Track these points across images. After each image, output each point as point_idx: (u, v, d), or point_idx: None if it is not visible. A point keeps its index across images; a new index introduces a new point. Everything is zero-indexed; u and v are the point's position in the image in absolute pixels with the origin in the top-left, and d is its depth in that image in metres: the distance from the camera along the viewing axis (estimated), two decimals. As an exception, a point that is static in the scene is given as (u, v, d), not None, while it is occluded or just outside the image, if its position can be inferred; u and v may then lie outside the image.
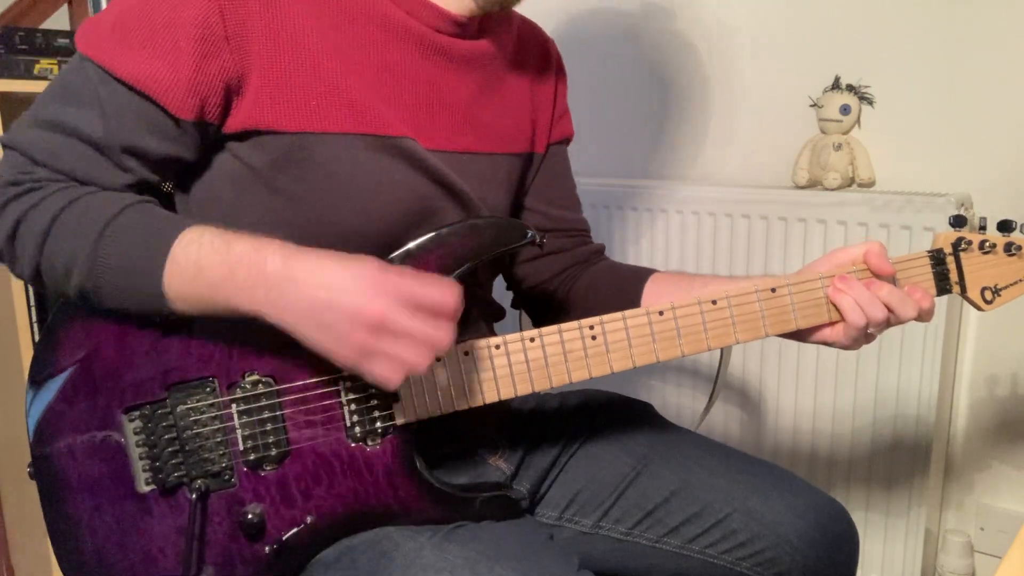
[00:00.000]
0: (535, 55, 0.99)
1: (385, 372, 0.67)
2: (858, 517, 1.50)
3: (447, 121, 0.84)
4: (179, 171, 0.80)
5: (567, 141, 1.06)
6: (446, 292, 0.68)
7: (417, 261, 0.77)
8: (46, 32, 1.49)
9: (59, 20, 2.04)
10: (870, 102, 1.50)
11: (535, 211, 1.01)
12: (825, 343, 0.85)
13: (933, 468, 1.46)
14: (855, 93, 1.50)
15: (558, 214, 1.03)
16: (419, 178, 0.81)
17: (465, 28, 0.85)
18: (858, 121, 1.52)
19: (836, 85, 1.51)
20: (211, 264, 0.68)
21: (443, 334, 0.67)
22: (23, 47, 1.47)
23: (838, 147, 1.49)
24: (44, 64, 1.49)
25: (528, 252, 1.02)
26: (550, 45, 1.03)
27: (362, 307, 0.65)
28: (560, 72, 1.03)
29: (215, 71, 0.72)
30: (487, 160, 0.90)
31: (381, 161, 0.78)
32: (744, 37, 1.65)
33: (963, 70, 1.43)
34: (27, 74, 1.48)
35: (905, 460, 1.46)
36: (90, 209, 0.71)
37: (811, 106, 1.55)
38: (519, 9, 0.91)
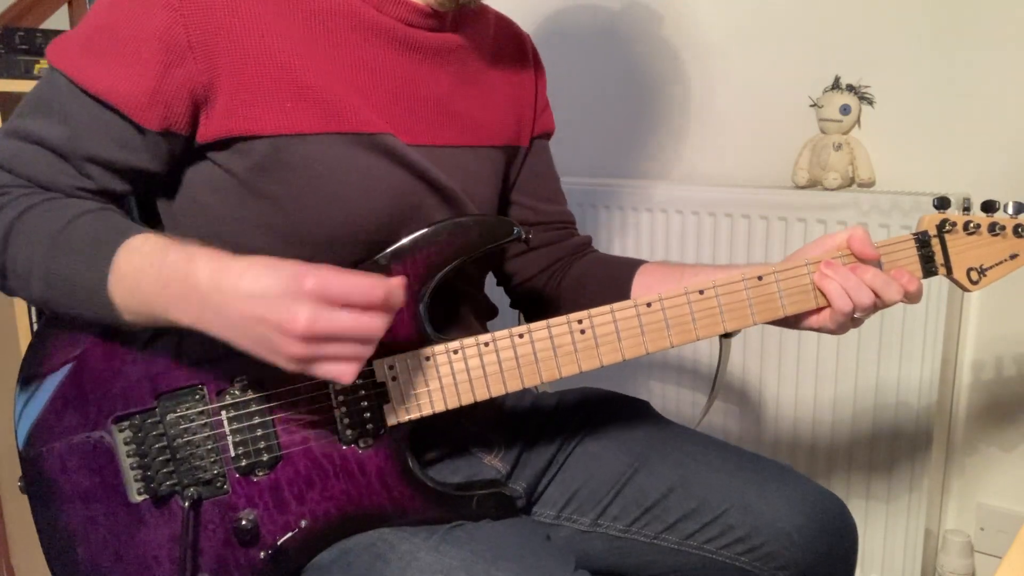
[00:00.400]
0: (512, 49, 0.99)
1: (332, 373, 0.65)
2: (858, 517, 1.50)
3: (426, 115, 0.84)
4: (152, 182, 0.79)
5: (549, 135, 1.06)
6: (370, 284, 0.65)
7: (404, 261, 0.77)
8: (46, 32, 1.50)
9: (59, 20, 2.05)
10: (870, 102, 1.50)
11: (521, 205, 1.01)
12: (813, 329, 0.85)
13: (933, 468, 1.45)
14: (855, 93, 1.49)
15: (544, 207, 1.03)
16: (401, 174, 0.81)
17: (437, 20, 0.85)
18: (858, 121, 1.51)
19: (836, 85, 1.51)
20: (148, 275, 0.68)
21: (375, 323, 0.65)
22: (23, 47, 1.47)
23: (838, 147, 1.48)
24: (44, 64, 1.50)
25: (517, 247, 1.02)
26: (525, 39, 1.03)
27: (286, 319, 0.62)
28: (538, 66, 1.04)
29: (179, 80, 0.72)
30: (470, 153, 0.89)
31: (360, 158, 0.78)
32: (744, 37, 1.64)
33: (963, 70, 1.42)
34: (27, 74, 1.48)
35: (905, 460, 1.46)
36: (45, 216, 0.72)
37: (811, 106, 1.55)
38: (502, 8, 0.91)
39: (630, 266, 0.97)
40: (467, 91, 0.89)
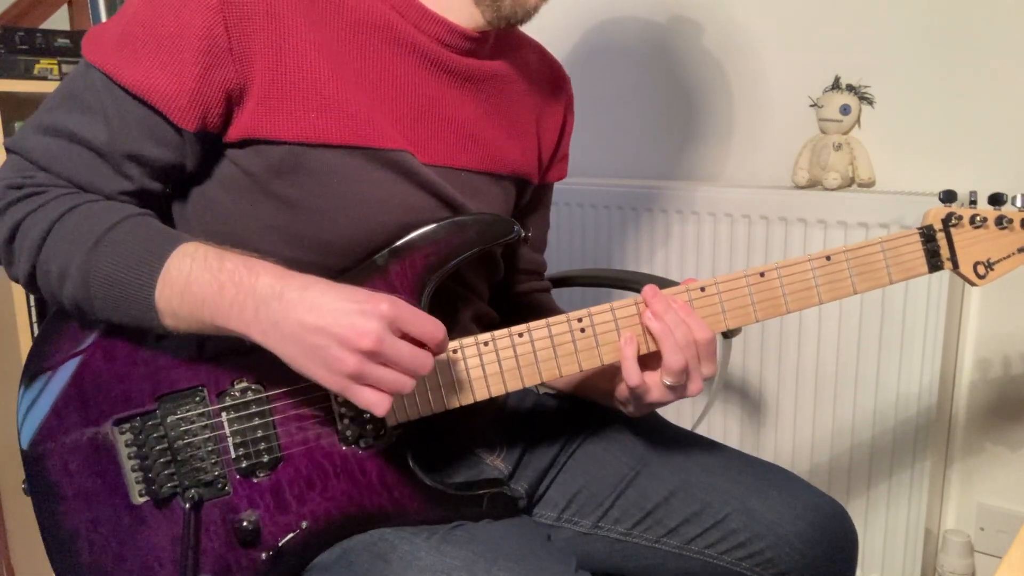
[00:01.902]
0: (549, 90, 0.99)
1: (374, 398, 0.66)
2: (858, 517, 1.50)
3: (447, 137, 0.84)
4: (182, 179, 0.80)
5: (553, 184, 1.06)
6: (436, 325, 0.69)
7: (403, 259, 0.77)
8: (46, 32, 1.49)
9: (59, 20, 2.04)
10: (870, 102, 1.50)
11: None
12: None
13: (933, 468, 1.46)
14: (855, 93, 1.49)
15: (523, 253, 1.03)
16: (415, 191, 0.80)
17: (476, 44, 0.85)
18: (858, 121, 1.51)
19: (836, 85, 1.51)
20: (201, 279, 0.68)
21: (427, 360, 0.68)
22: (23, 47, 1.47)
23: (838, 147, 1.48)
24: (44, 64, 1.49)
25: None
26: (566, 83, 1.03)
27: (355, 332, 0.64)
28: (569, 113, 1.03)
29: (218, 82, 0.73)
30: (487, 179, 0.89)
31: (375, 173, 0.78)
32: (744, 37, 1.64)
33: (963, 70, 1.43)
34: (27, 74, 1.48)
35: (905, 460, 1.46)
36: (88, 218, 0.71)
37: (811, 106, 1.55)
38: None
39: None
40: (492, 120, 0.89)
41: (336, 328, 0.64)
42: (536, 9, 0.85)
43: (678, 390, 0.79)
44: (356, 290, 0.67)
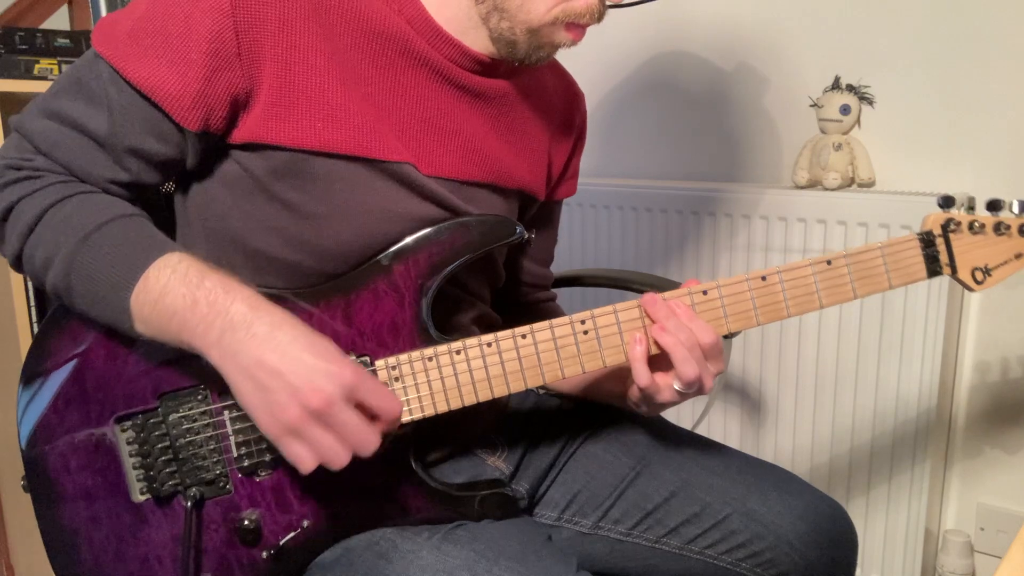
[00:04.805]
0: (561, 110, 0.98)
1: (302, 455, 0.66)
2: (858, 517, 1.50)
3: (453, 149, 0.84)
4: (179, 173, 0.80)
5: (563, 201, 1.06)
6: (394, 402, 0.68)
7: (407, 259, 0.77)
8: (46, 32, 1.49)
9: (59, 20, 2.04)
10: (870, 102, 1.50)
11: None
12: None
13: (933, 468, 1.46)
14: (855, 93, 1.49)
15: (532, 268, 1.04)
16: (418, 202, 0.80)
17: (489, 67, 0.84)
18: (858, 121, 1.51)
19: (836, 85, 1.51)
20: (176, 292, 0.68)
21: (372, 439, 0.67)
22: (23, 47, 1.47)
23: (838, 147, 1.48)
24: (44, 64, 1.49)
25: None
26: (579, 103, 1.03)
27: (309, 388, 0.64)
28: (581, 133, 1.03)
29: (224, 86, 0.73)
30: (492, 192, 0.89)
31: (378, 184, 0.78)
32: (744, 37, 1.64)
33: (963, 70, 1.43)
34: (27, 74, 1.48)
35: (905, 460, 1.46)
36: (80, 211, 0.72)
37: (811, 106, 1.55)
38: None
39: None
40: (500, 136, 0.88)
41: (292, 377, 0.64)
42: (550, 56, 0.85)
43: (690, 393, 0.79)
44: (328, 347, 0.67)
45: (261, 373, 0.65)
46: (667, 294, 0.80)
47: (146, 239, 0.72)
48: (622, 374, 0.85)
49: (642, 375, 0.78)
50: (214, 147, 0.77)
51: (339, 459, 0.66)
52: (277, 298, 0.74)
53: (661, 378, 0.79)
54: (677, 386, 0.78)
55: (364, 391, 0.66)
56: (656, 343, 0.78)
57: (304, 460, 0.66)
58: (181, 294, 0.68)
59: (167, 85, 0.71)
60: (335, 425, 0.65)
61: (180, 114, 0.72)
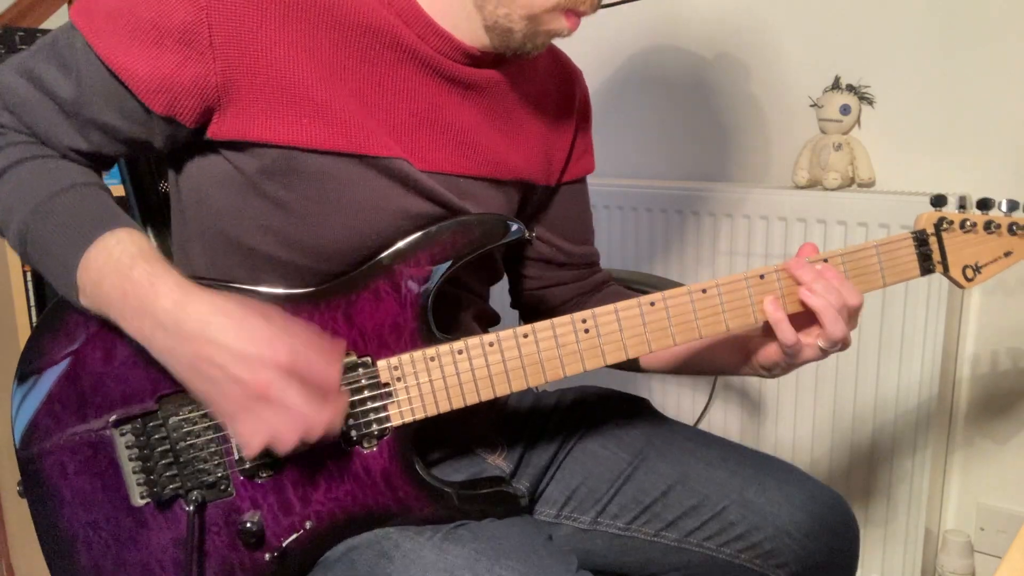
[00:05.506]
0: (557, 92, 0.97)
1: (248, 432, 0.67)
2: (858, 517, 1.50)
3: (446, 143, 0.83)
4: (150, 154, 0.81)
5: (585, 176, 1.04)
6: (330, 369, 0.69)
7: (409, 258, 0.77)
8: (46, 32, 1.49)
9: (59, 20, 2.04)
10: (870, 102, 1.50)
11: (550, 244, 1.01)
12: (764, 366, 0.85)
13: (933, 468, 1.46)
14: (855, 93, 1.50)
15: (571, 248, 1.02)
16: (412, 198, 0.80)
17: (477, 59, 0.84)
18: (858, 121, 1.51)
19: (836, 85, 1.51)
20: (111, 280, 0.69)
21: (323, 417, 0.68)
22: (23, 47, 1.47)
23: (838, 147, 1.49)
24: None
25: (538, 281, 1.02)
26: (576, 85, 1.01)
27: (246, 377, 0.66)
28: (583, 113, 1.01)
29: (193, 76, 0.72)
30: (488, 185, 0.88)
31: (371, 180, 0.78)
32: (744, 37, 1.65)
33: (963, 70, 1.43)
34: (27, 74, 1.48)
35: (905, 459, 1.46)
36: (38, 176, 0.73)
37: (811, 106, 1.55)
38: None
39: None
40: (494, 126, 0.88)
41: (230, 367, 0.66)
42: (544, 46, 0.84)
43: (834, 350, 0.81)
44: (260, 329, 0.67)
45: (200, 365, 0.67)
46: (668, 292, 0.80)
47: (95, 212, 0.73)
48: (741, 343, 0.87)
49: (788, 334, 0.79)
50: (194, 142, 0.77)
51: (288, 438, 0.67)
52: (275, 298, 0.75)
53: (804, 336, 0.81)
54: (822, 343, 0.80)
55: (301, 367, 0.67)
56: (805, 306, 0.80)
57: (249, 440, 0.68)
58: (113, 284, 0.69)
59: (135, 66, 0.72)
60: (281, 406, 0.66)
61: (146, 96, 0.73)
